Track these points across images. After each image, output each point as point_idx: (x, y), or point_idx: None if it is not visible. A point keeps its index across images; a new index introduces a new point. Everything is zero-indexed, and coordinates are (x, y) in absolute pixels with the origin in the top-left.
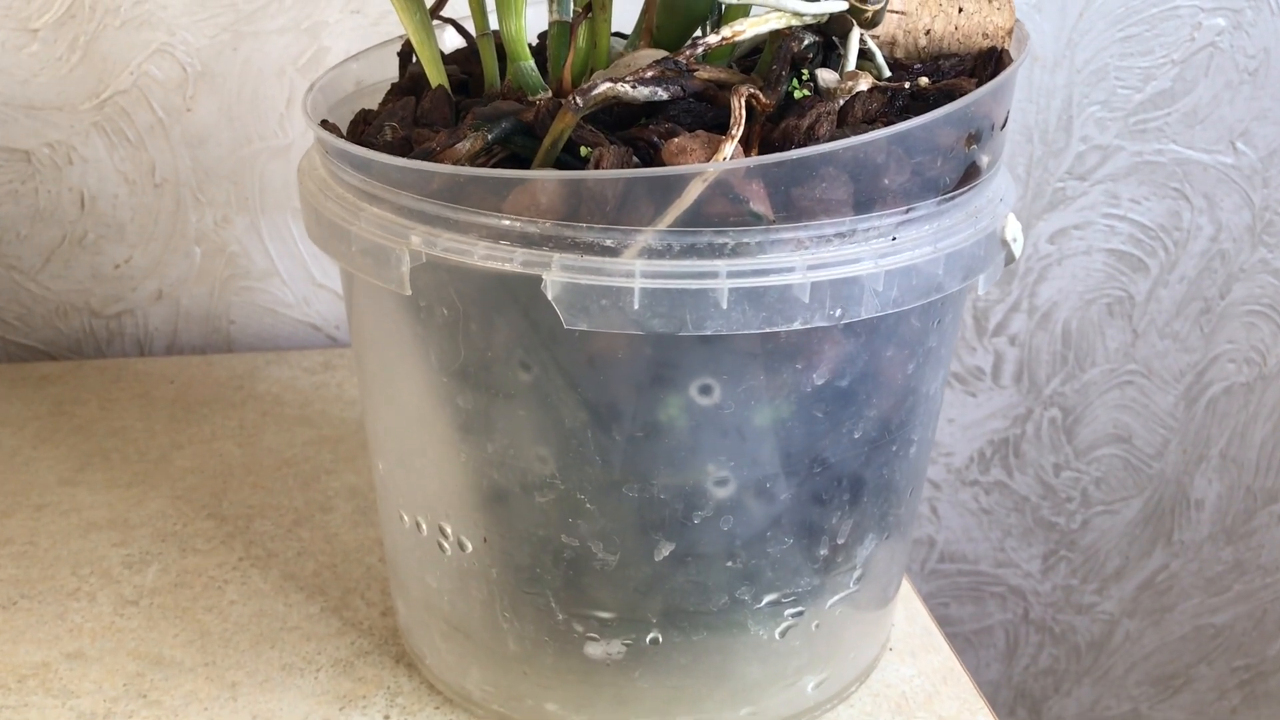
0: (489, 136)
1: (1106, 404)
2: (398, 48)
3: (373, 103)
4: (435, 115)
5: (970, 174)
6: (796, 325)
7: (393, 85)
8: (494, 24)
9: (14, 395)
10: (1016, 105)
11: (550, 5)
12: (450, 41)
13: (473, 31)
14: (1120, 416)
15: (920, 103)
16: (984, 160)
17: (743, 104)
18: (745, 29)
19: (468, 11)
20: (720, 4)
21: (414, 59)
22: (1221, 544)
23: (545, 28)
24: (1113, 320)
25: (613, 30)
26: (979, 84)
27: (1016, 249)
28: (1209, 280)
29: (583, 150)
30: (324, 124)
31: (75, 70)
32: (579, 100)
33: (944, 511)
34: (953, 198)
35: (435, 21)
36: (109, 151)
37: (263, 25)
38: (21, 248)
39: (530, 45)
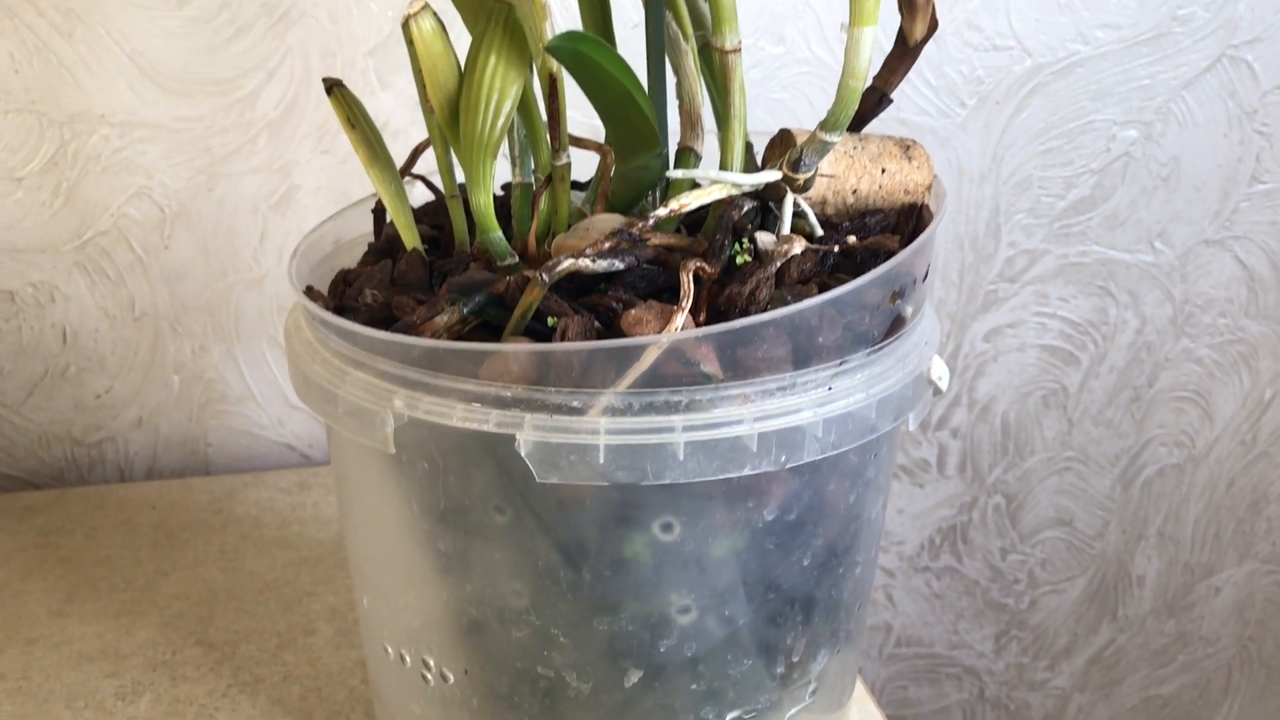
0: (464, 310)
1: (1047, 489)
2: (371, 205)
3: (350, 258)
4: (411, 276)
5: (896, 325)
6: (746, 471)
7: (370, 245)
8: (460, 177)
9: (0, 527)
10: (949, 217)
11: (513, 168)
12: (419, 193)
13: (439, 184)
14: (1061, 501)
15: (849, 260)
16: (908, 311)
17: (690, 277)
18: (690, 202)
19: (434, 164)
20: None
21: (388, 217)
22: (1164, 617)
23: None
24: (1048, 411)
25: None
26: (901, 239)
27: (943, 385)
28: (1137, 370)
29: (550, 320)
30: (309, 291)
31: (58, 215)
32: (545, 276)
33: (899, 598)
34: (881, 348)
35: (405, 178)
36: (90, 289)
37: (236, 166)
38: (5, 382)
39: (495, 195)
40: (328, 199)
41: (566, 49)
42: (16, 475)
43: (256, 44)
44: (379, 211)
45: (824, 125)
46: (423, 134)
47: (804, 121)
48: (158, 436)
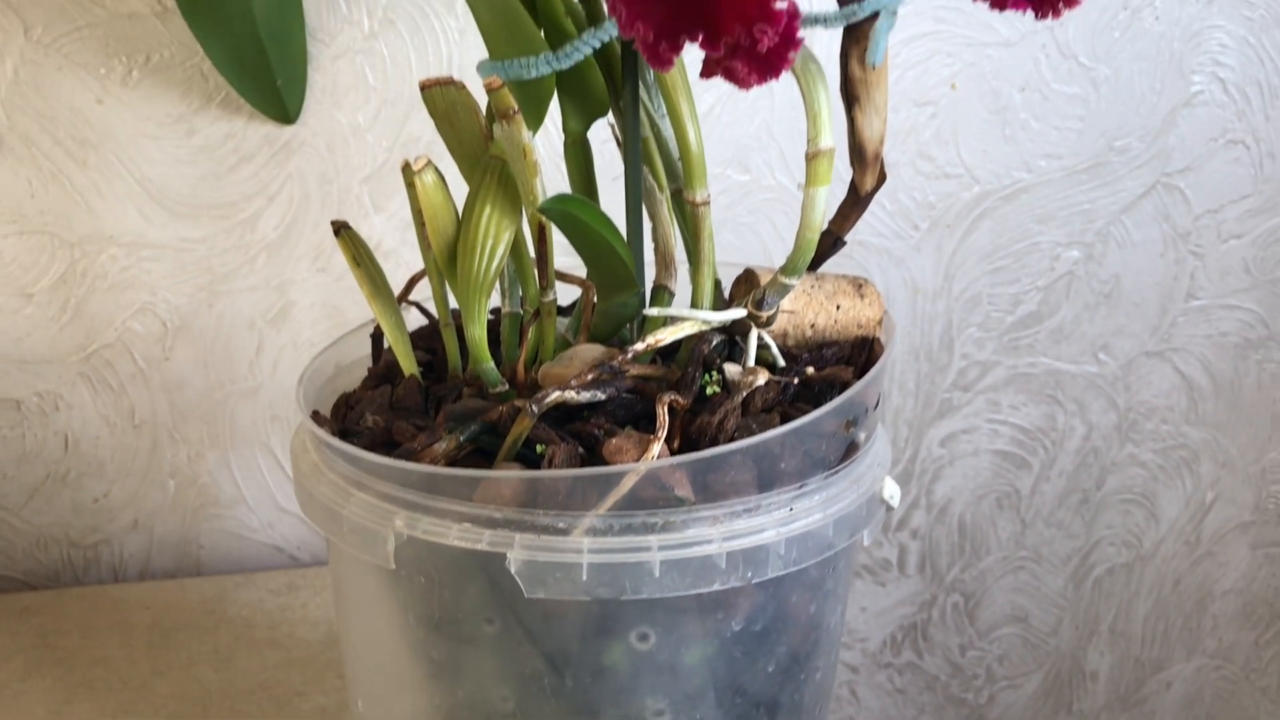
0: (461, 438)
1: (1003, 588)
2: (368, 330)
3: (351, 379)
4: (409, 401)
5: (851, 450)
6: (716, 586)
7: (370, 370)
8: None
9: None
10: (906, 332)
11: (503, 298)
12: (413, 317)
13: (434, 311)
14: (1016, 599)
15: (808, 389)
16: (861, 436)
17: (666, 410)
18: (665, 337)
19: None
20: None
21: (385, 342)
22: (1117, 711)
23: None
24: (1002, 512)
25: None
26: (855, 370)
27: (894, 502)
28: (1085, 474)
29: (539, 447)
30: (315, 416)
31: (65, 328)
32: (535, 408)
33: (862, 693)
34: (837, 471)
35: (402, 304)
36: (93, 398)
37: (236, 284)
38: (7, 486)
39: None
40: (321, 314)
41: (556, 210)
42: (14, 576)
43: (258, 171)
44: (377, 336)
45: (784, 270)
46: (412, 253)
47: (767, 241)
48: (152, 539)
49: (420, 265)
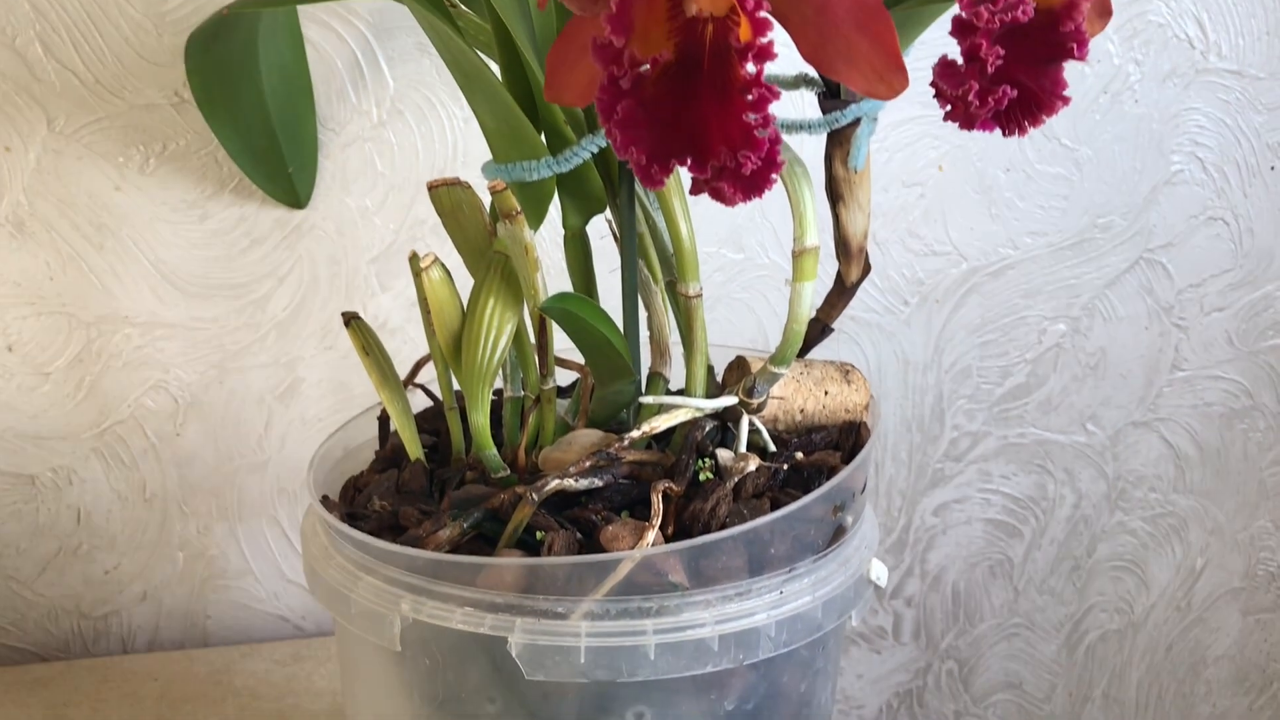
0: (464, 525)
1: (997, 654)
2: (375, 413)
3: (358, 462)
4: (414, 485)
5: (838, 533)
6: (709, 668)
7: (377, 453)
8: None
9: (9, 699)
10: (898, 404)
11: (505, 382)
12: (418, 399)
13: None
14: (1010, 665)
15: (797, 474)
16: (848, 520)
17: (660, 498)
18: (659, 424)
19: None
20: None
21: (392, 426)
22: None
23: None
24: (995, 580)
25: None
26: (843, 455)
27: (881, 582)
28: (1076, 542)
29: (538, 534)
30: (325, 501)
31: (80, 405)
32: (535, 496)
33: None
34: (825, 554)
35: (408, 387)
36: (105, 473)
37: (246, 362)
38: (20, 560)
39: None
40: (329, 389)
41: (557, 309)
42: (26, 648)
43: (269, 253)
44: (384, 420)
45: (773, 360)
46: (418, 330)
47: (762, 316)
48: (160, 610)
49: (425, 343)
